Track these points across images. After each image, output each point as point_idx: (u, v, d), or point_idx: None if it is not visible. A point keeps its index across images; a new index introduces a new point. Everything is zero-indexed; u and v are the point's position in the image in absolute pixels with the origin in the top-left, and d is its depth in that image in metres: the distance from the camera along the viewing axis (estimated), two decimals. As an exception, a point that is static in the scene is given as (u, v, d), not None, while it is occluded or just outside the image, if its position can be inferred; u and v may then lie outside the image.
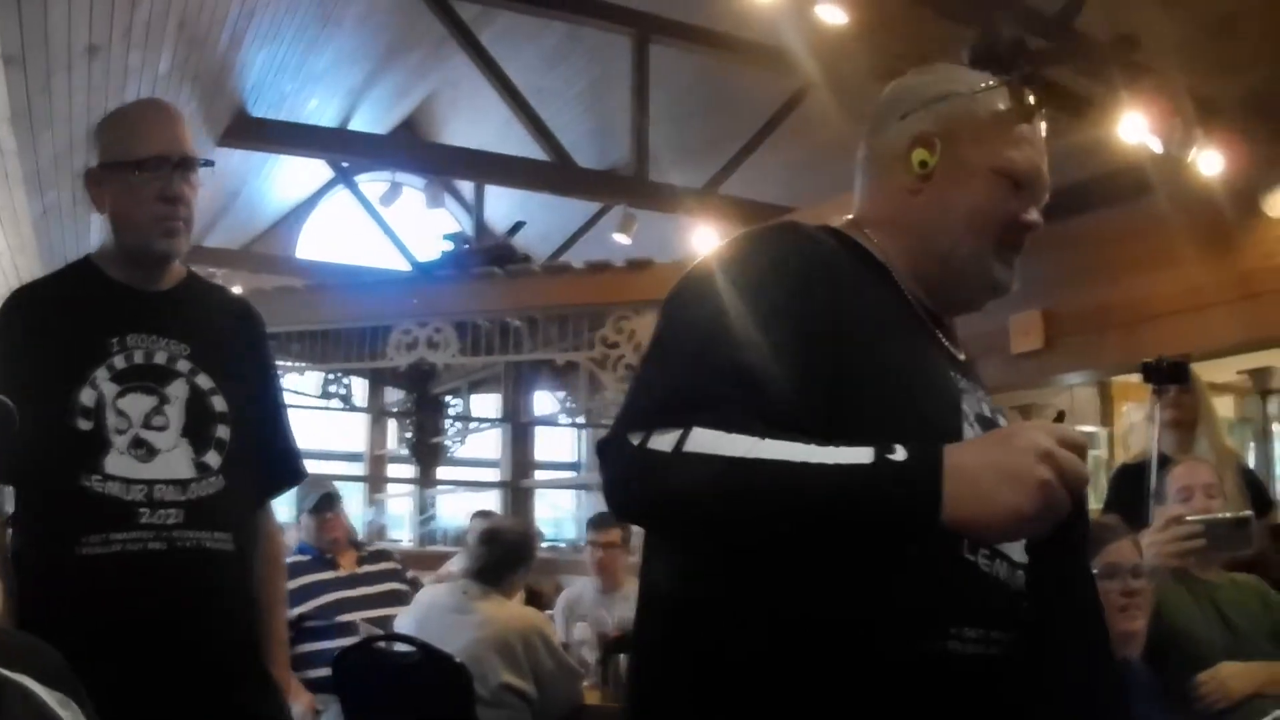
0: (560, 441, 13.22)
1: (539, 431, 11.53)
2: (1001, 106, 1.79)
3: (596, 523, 6.10)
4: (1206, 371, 4.69)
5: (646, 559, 1.69)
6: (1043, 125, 1.83)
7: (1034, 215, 1.79)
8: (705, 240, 7.31)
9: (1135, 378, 8.86)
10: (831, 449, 1.38)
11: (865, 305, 1.65)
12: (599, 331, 8.06)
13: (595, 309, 8.08)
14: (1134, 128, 6.11)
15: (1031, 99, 1.79)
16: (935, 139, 1.77)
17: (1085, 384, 9.50)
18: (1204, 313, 7.34)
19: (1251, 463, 7.86)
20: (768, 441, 1.39)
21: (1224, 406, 10.47)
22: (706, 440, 1.40)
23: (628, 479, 1.46)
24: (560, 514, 12.94)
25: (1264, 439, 10.38)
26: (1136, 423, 8.31)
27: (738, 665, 1.52)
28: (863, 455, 1.37)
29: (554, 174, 7.52)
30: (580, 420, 9.50)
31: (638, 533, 6.23)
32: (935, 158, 1.76)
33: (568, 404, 10.05)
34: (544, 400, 11.76)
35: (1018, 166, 1.77)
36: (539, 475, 11.74)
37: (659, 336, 1.59)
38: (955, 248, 1.76)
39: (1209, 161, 6.63)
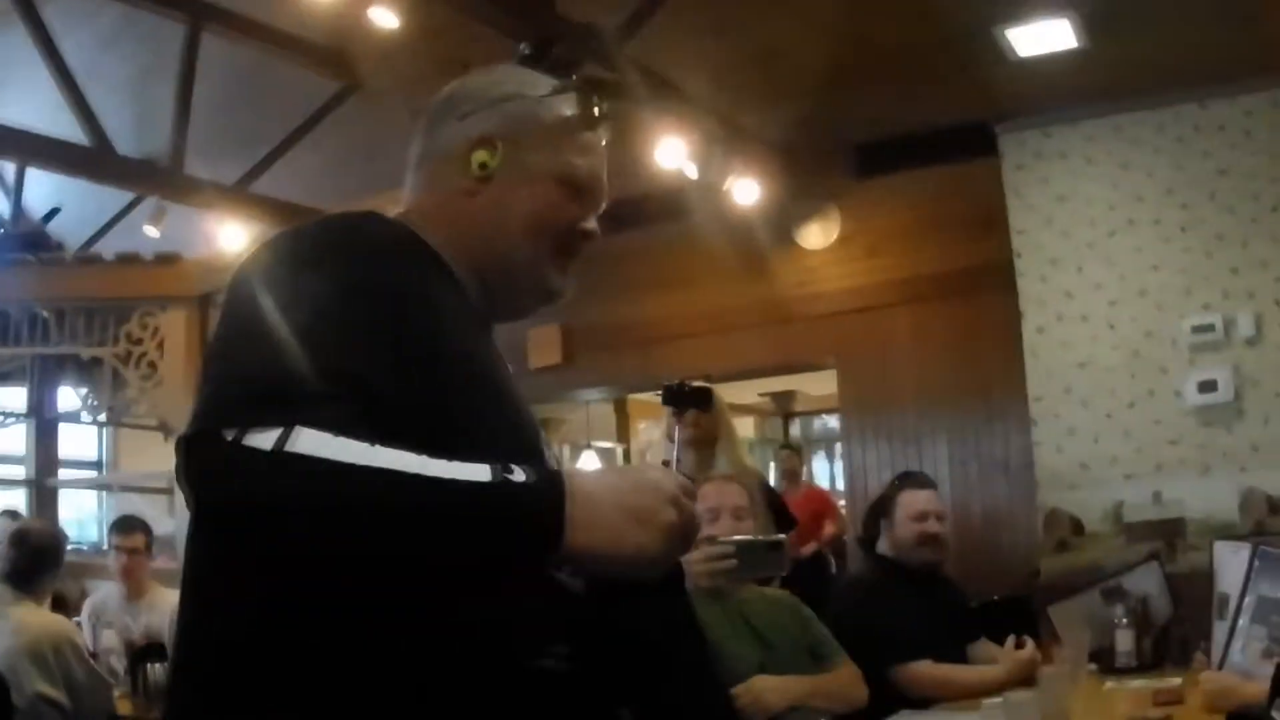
0: (85, 440, 12.54)
1: (64, 429, 10.92)
2: (567, 112, 1.72)
3: (121, 527, 5.75)
4: (729, 392, 4.80)
5: (198, 560, 1.47)
6: (605, 135, 1.77)
7: (592, 224, 1.73)
8: (233, 237, 7.13)
9: (650, 395, 9.23)
10: (447, 464, 1.29)
11: (449, 309, 1.56)
12: (125, 326, 7.77)
13: (123, 303, 7.76)
14: (671, 153, 6.23)
15: (598, 107, 1.73)
16: (497, 141, 1.68)
17: (602, 400, 9.68)
18: (728, 335, 7.60)
19: (773, 482, 8.18)
20: (380, 449, 1.28)
21: (745, 426, 10.97)
22: (312, 442, 1.27)
23: (221, 477, 1.29)
24: (83, 515, 12.23)
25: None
26: (653, 440, 8.55)
27: (308, 684, 1.36)
28: (481, 473, 1.30)
29: (91, 159, 7.14)
30: (102, 418, 8.96)
31: (161, 538, 5.93)
32: (496, 160, 1.68)
33: (90, 401, 9.49)
34: (69, 396, 11.21)
35: (580, 174, 1.71)
36: (64, 474, 11.19)
37: (247, 320, 1.42)
38: (511, 252, 1.68)
39: (745, 190, 6.86)
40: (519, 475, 1.31)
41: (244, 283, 1.46)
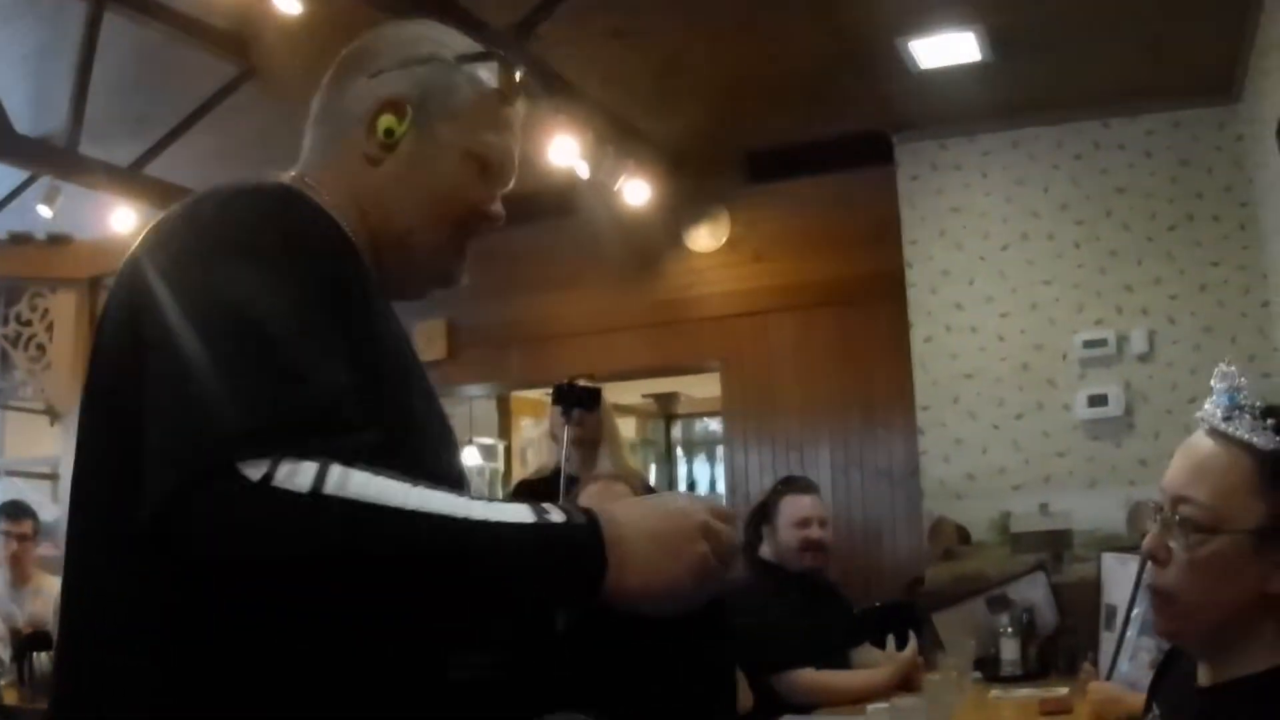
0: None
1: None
2: (486, 82, 1.59)
3: (9, 512, 5.71)
4: (612, 392, 4.80)
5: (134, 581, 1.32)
6: (523, 111, 1.65)
7: (498, 207, 1.63)
8: (125, 220, 6.96)
9: (534, 393, 9.17)
10: (485, 504, 1.23)
11: (375, 293, 1.45)
12: (15, 308, 7.67)
13: (13, 284, 7.67)
14: (563, 151, 6.16)
15: (519, 80, 1.62)
16: (407, 106, 1.55)
17: (485, 396, 9.59)
18: (612, 336, 7.54)
19: (653, 482, 8.15)
20: (421, 490, 1.20)
21: (627, 427, 10.93)
22: (354, 483, 1.16)
23: (253, 526, 1.14)
24: (-38, 499, 11.78)
25: (667, 460, 10.91)
26: (535, 438, 8.47)
27: (233, 685, 1.26)
28: (522, 513, 1.24)
29: None
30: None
31: (45, 525, 5.75)
32: (403, 128, 1.55)
33: (-23, 383, 9.19)
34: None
35: (492, 151, 1.59)
36: None
37: (209, 327, 1.25)
38: (412, 232, 1.56)
39: (635, 191, 6.81)
40: (556, 515, 1.26)
41: (177, 273, 1.31)
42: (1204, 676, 1.60)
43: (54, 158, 6.96)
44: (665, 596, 1.28)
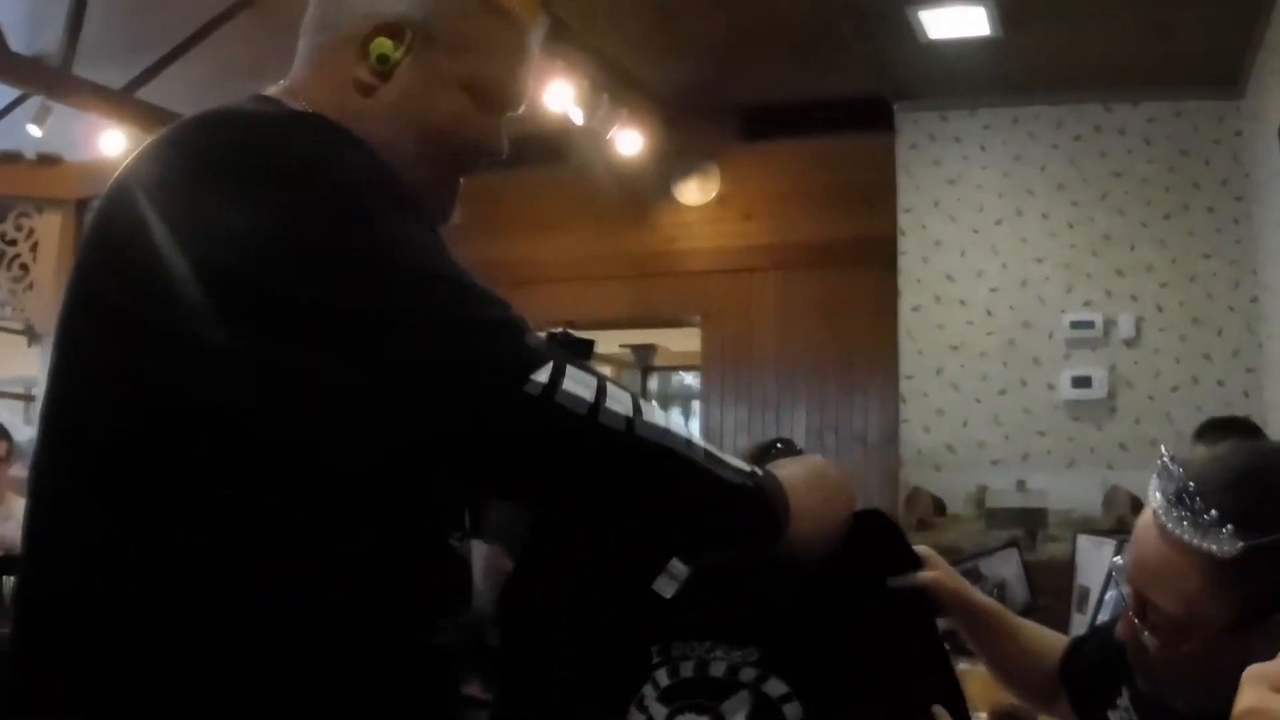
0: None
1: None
2: (500, 6, 1.46)
3: None
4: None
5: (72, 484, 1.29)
6: (538, 38, 1.53)
7: (503, 139, 1.50)
8: (114, 143, 6.88)
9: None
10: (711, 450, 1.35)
11: None
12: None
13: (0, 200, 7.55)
14: (557, 95, 6.12)
15: (535, 5, 1.56)
16: (406, 30, 1.40)
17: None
18: (595, 284, 7.53)
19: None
20: (669, 417, 1.34)
21: (602, 376, 10.92)
22: (646, 411, 1.30)
23: (558, 436, 1.25)
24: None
25: (643, 411, 10.89)
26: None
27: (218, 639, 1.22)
28: (741, 464, 1.37)
29: None
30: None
31: (17, 446, 5.69)
32: (399, 54, 1.39)
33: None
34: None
35: (500, 84, 1.47)
36: None
37: (402, 256, 1.26)
38: (404, 169, 1.39)
39: (628, 140, 6.78)
40: (755, 471, 1.38)
41: (319, 222, 1.23)
42: None
43: (47, 77, 6.87)
44: (822, 541, 1.44)
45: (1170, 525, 1.39)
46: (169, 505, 1.19)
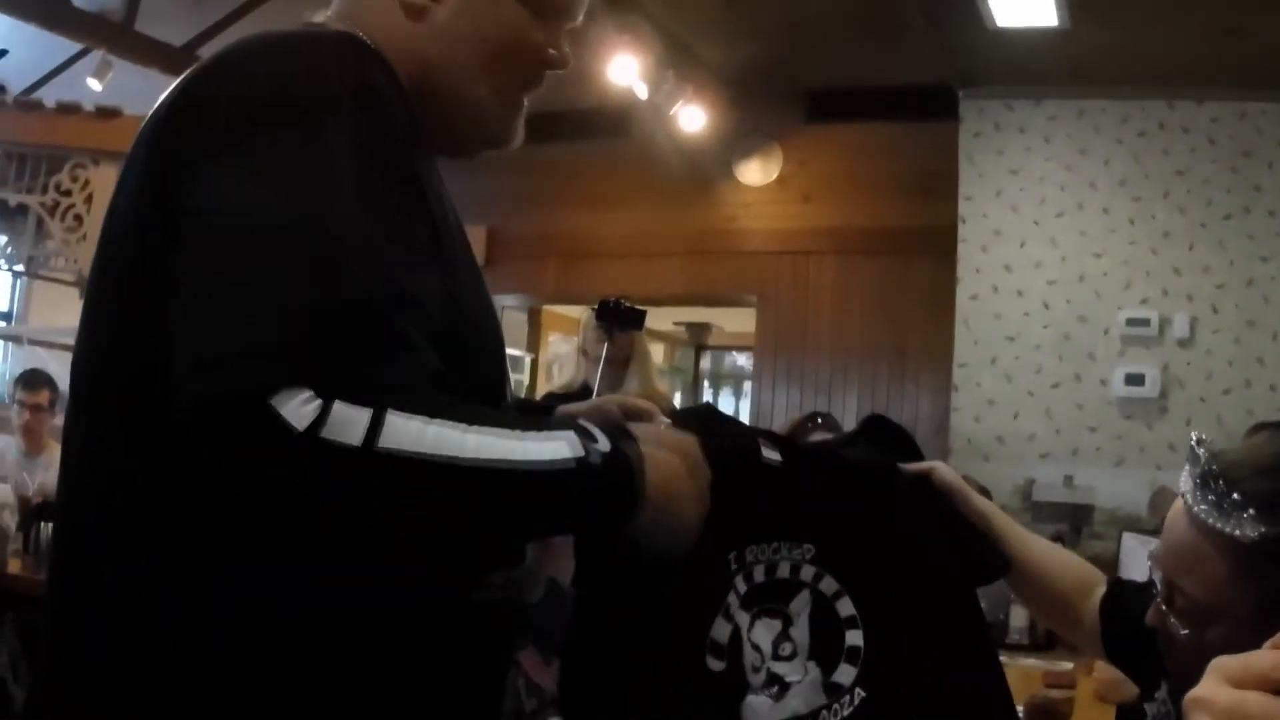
0: (-3, 288, 12.05)
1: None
2: None
3: (27, 381, 5.68)
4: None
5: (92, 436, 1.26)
6: None
7: (564, 48, 1.44)
8: None
9: (566, 309, 9.15)
10: (532, 438, 1.15)
11: (425, 165, 1.33)
12: (55, 176, 7.41)
13: (57, 152, 7.40)
14: (623, 70, 6.13)
15: None
16: None
17: (518, 308, 9.58)
18: (652, 260, 7.54)
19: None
20: (472, 435, 1.10)
21: (656, 353, 10.95)
22: (406, 434, 1.06)
23: (299, 482, 1.05)
24: (-13, 365, 11.79)
25: (694, 390, 10.91)
26: (563, 354, 8.47)
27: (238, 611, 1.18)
28: (564, 448, 1.16)
29: (44, 7, 6.75)
30: (19, 268, 8.66)
31: (65, 396, 5.79)
32: None
33: (8, 249, 9.22)
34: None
35: None
36: None
37: (268, 202, 1.12)
38: (462, 89, 1.38)
39: (691, 118, 6.79)
40: (601, 444, 1.20)
41: (222, 143, 1.16)
42: None
43: (109, 32, 6.91)
44: (683, 537, 1.28)
45: (1197, 509, 1.40)
46: (186, 456, 1.10)
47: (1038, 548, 1.82)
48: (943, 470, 1.75)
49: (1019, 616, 4.97)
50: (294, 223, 1.10)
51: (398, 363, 1.10)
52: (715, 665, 1.60)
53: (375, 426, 1.05)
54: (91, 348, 1.28)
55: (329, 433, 1.03)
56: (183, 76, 1.29)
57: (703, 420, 1.67)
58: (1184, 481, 1.44)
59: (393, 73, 1.31)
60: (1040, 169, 6.27)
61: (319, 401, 1.03)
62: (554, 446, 1.16)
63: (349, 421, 1.04)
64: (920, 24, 5.76)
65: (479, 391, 1.29)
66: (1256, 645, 1.30)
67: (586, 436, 1.19)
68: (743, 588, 1.62)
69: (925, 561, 1.65)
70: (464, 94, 1.38)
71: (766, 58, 6.71)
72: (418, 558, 1.18)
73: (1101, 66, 5.92)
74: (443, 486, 1.10)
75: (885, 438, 1.79)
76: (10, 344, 10.10)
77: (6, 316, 12.12)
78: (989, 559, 1.77)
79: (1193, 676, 1.49)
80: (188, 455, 1.08)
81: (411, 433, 1.06)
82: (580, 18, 1.46)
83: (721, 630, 1.60)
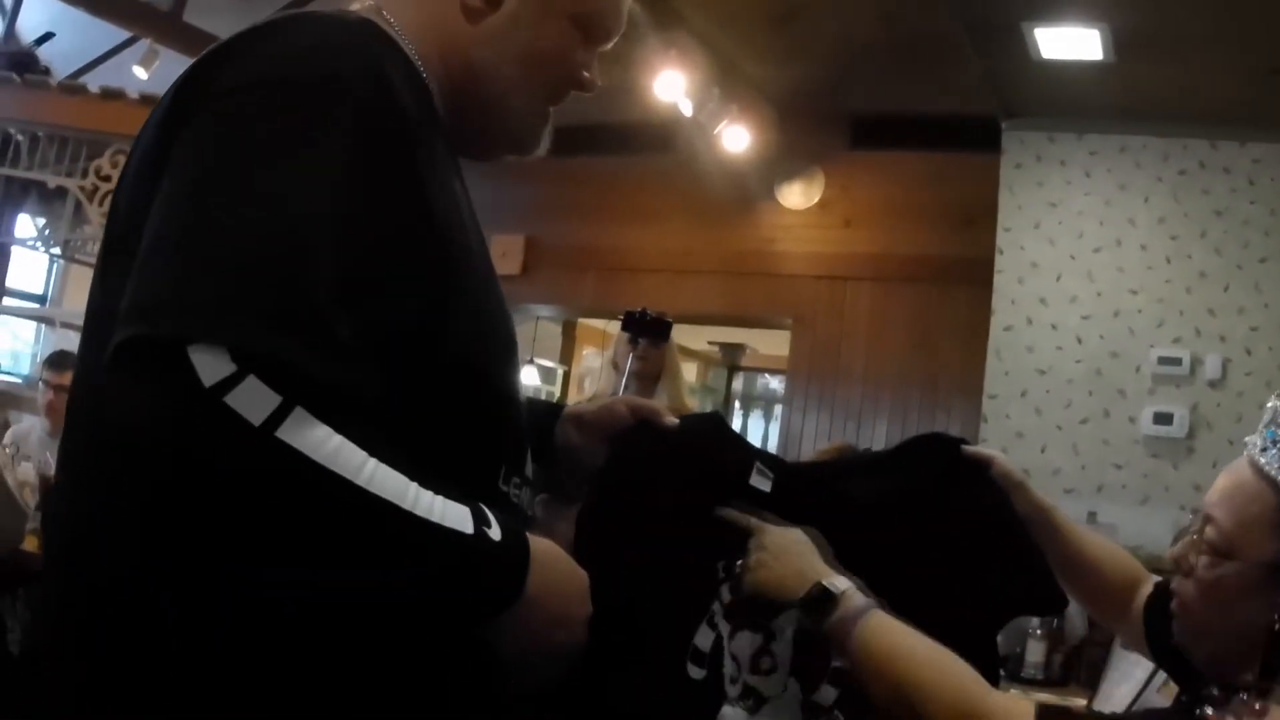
0: (32, 270, 12.17)
1: (13, 257, 10.59)
2: None
3: (54, 362, 5.72)
4: (679, 335, 4.77)
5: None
6: None
7: (596, 72, 1.51)
8: None
9: (601, 322, 9.15)
10: (430, 499, 1.15)
11: (439, 160, 1.33)
12: (96, 161, 7.45)
13: (99, 137, 7.45)
14: (669, 86, 6.16)
15: None
16: None
17: (553, 319, 9.61)
18: (689, 277, 7.55)
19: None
20: (373, 468, 1.10)
21: (689, 372, 10.96)
22: (308, 435, 1.05)
23: (185, 429, 1.02)
24: (19, 346, 11.89)
25: (725, 411, 10.89)
26: (594, 368, 8.50)
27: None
28: (463, 521, 1.17)
29: None
30: (56, 250, 8.76)
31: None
32: None
33: (46, 231, 9.34)
34: (26, 224, 10.90)
35: (603, 20, 1.49)
36: (6, 302, 10.96)
37: (241, 169, 1.13)
38: (505, 95, 1.44)
39: (735, 137, 6.80)
40: (495, 532, 1.20)
41: (212, 115, 1.19)
42: None
43: (157, 22, 6.98)
44: (555, 659, 1.29)
45: (1258, 455, 1.53)
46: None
47: (1091, 543, 1.91)
48: (1002, 461, 1.81)
49: (1035, 651, 4.95)
50: (264, 194, 1.12)
51: (329, 366, 1.09)
52: (696, 673, 1.64)
53: (280, 414, 1.04)
54: (91, 324, 1.31)
55: (233, 400, 1.02)
56: (198, 57, 1.30)
57: (706, 429, 1.68)
58: (1255, 442, 1.56)
59: (409, 62, 1.35)
60: (1080, 203, 6.23)
61: (234, 367, 1.03)
62: (456, 512, 1.17)
63: (257, 398, 1.03)
64: (967, 54, 5.76)
65: (479, 378, 1.32)
66: (1259, 603, 1.41)
67: (482, 520, 1.19)
68: (727, 596, 1.65)
69: (933, 593, 1.65)
70: (500, 99, 1.43)
71: (813, 81, 6.72)
72: (290, 566, 1.12)
73: (1145, 103, 5.89)
74: (327, 501, 1.08)
75: (929, 455, 1.80)
76: (44, 326, 10.20)
77: (41, 299, 12.28)
78: (1048, 591, 1.79)
79: (1195, 632, 1.54)
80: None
81: (313, 437, 1.06)
82: (611, 45, 1.53)
83: (705, 638, 1.64)
